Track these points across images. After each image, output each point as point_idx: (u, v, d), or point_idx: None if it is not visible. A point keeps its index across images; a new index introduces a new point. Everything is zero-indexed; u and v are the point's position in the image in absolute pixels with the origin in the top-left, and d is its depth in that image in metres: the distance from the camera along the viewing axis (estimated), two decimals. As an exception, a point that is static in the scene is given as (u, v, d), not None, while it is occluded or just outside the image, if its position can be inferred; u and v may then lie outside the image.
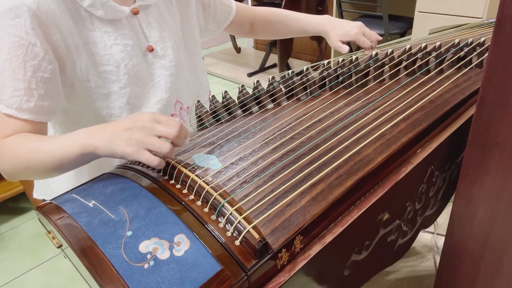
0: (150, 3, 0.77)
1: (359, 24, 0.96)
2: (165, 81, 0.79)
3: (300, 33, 1.07)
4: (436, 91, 0.76)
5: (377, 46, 1.01)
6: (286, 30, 1.07)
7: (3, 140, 0.64)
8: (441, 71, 0.84)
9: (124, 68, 0.73)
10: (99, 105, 0.73)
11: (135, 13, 0.75)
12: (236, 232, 0.49)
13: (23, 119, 0.64)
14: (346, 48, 0.96)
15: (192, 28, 0.89)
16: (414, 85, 0.78)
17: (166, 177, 0.58)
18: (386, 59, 0.83)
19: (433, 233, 1.36)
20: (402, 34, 2.37)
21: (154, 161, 0.55)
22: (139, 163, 0.63)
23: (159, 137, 0.56)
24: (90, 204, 0.55)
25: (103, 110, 0.73)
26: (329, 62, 0.88)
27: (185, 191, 0.55)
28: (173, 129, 0.55)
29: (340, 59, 0.85)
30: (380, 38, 0.99)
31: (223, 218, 0.50)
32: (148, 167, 0.61)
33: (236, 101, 0.77)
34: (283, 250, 0.49)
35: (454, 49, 0.85)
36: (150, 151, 0.55)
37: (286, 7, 2.60)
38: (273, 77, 0.81)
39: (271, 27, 1.07)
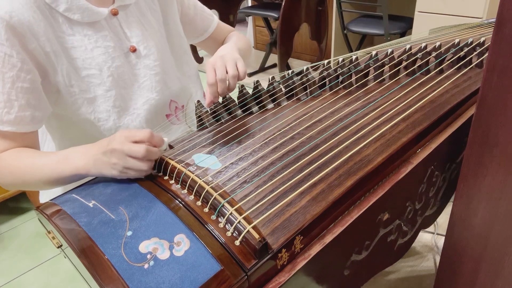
0: (130, 3, 0.76)
1: (219, 55, 0.72)
2: (151, 81, 0.78)
3: None
4: (436, 91, 0.76)
5: (377, 46, 1.01)
6: None
7: None
8: (441, 71, 0.84)
9: (107, 71, 0.72)
10: (86, 110, 0.72)
11: (114, 13, 0.74)
12: (236, 232, 0.49)
13: (5, 132, 0.65)
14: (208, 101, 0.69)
15: (176, 26, 0.87)
16: (414, 85, 0.78)
17: (166, 177, 0.58)
18: (386, 59, 0.83)
19: (433, 233, 1.36)
20: (402, 34, 2.37)
21: (141, 175, 0.59)
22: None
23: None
24: (90, 204, 0.55)
25: (90, 115, 0.72)
26: (329, 62, 0.88)
27: (185, 191, 0.55)
28: (140, 149, 0.56)
29: (340, 59, 0.85)
30: (239, 75, 0.70)
31: (223, 218, 0.50)
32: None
33: (236, 101, 0.77)
34: (283, 250, 0.49)
35: (454, 49, 0.85)
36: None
37: (286, 7, 2.59)
38: (273, 77, 0.80)
39: None
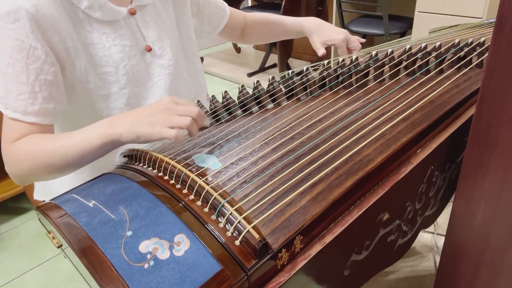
0: (147, 3, 0.78)
1: (345, 32, 0.97)
2: (165, 80, 0.80)
3: (286, 35, 1.09)
4: (436, 91, 0.76)
5: (377, 46, 1.01)
6: (274, 32, 1.09)
7: (14, 144, 0.64)
8: (441, 71, 0.84)
9: (123, 69, 0.73)
10: (99, 107, 0.73)
11: (132, 13, 0.75)
12: (236, 232, 0.49)
13: (29, 123, 0.65)
14: (323, 51, 0.96)
15: (188, 27, 0.89)
16: (414, 85, 0.78)
17: (166, 177, 0.58)
18: (386, 59, 0.83)
19: (433, 233, 1.36)
20: (402, 34, 2.37)
21: (173, 133, 0.56)
22: (140, 163, 0.63)
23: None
24: (90, 204, 0.55)
25: (102, 112, 0.73)
26: (329, 62, 0.88)
27: (185, 191, 0.55)
28: (193, 108, 0.58)
29: (340, 59, 0.85)
30: (362, 41, 1.00)
31: (223, 218, 0.50)
32: (148, 166, 0.61)
33: (236, 101, 0.77)
34: (283, 250, 0.49)
35: (454, 49, 0.85)
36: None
37: (286, 7, 2.60)
38: (273, 77, 0.80)
39: (260, 30, 1.09)
